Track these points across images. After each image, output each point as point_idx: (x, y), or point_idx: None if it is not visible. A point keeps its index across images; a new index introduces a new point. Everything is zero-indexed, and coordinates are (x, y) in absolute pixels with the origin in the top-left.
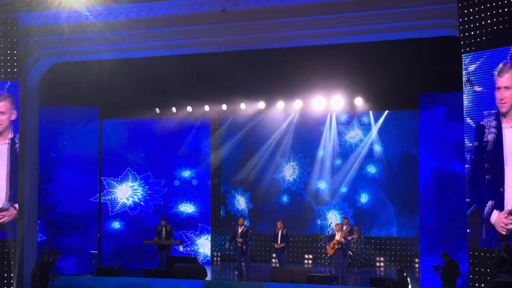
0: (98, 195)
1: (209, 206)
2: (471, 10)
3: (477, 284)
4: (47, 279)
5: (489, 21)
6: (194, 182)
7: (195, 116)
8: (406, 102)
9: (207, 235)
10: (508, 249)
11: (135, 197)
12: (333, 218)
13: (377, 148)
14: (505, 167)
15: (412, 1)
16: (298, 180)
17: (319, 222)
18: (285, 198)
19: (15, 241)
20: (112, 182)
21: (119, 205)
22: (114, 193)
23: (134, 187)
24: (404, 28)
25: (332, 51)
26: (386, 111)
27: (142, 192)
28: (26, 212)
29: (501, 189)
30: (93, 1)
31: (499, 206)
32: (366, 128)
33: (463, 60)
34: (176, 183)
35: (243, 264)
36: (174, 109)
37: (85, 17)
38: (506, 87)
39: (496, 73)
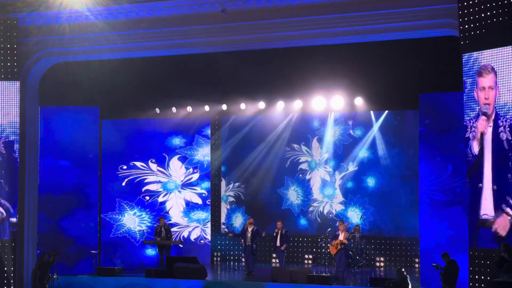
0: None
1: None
2: (471, 10)
3: (477, 284)
4: (47, 279)
5: (489, 21)
6: (194, 182)
7: (195, 116)
8: (406, 102)
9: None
10: (508, 249)
11: (146, 222)
12: (354, 215)
13: (377, 147)
14: (484, 165)
15: (412, 1)
16: (306, 199)
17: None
18: (303, 221)
19: (8, 241)
20: (115, 216)
21: (138, 235)
22: (125, 225)
23: (137, 214)
24: (404, 28)
25: (332, 51)
26: (386, 111)
27: (148, 215)
28: (26, 212)
29: (480, 185)
30: (94, 1)
31: (478, 202)
32: (366, 128)
33: (463, 60)
34: (176, 192)
35: (250, 262)
36: (174, 109)
37: (85, 17)
38: (490, 87)
39: (477, 74)
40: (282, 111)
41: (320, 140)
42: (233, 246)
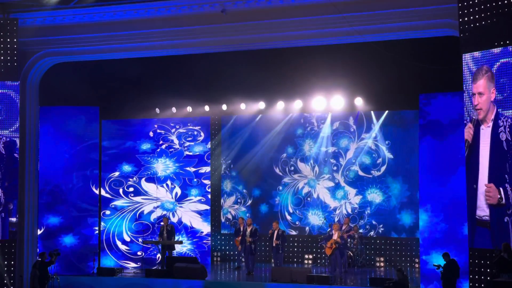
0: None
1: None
2: (471, 10)
3: (477, 284)
4: (47, 279)
5: (489, 21)
6: (182, 194)
7: (195, 116)
8: (406, 102)
9: None
10: (508, 249)
11: (186, 243)
12: (376, 196)
13: (377, 147)
14: (480, 166)
15: (412, 1)
16: (327, 213)
17: (323, 220)
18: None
19: (8, 241)
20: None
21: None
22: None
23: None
24: (404, 28)
25: (332, 51)
26: (386, 111)
27: (182, 236)
28: (26, 212)
29: (474, 186)
30: (94, 0)
31: (474, 203)
32: (366, 128)
33: (463, 60)
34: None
35: (249, 263)
36: (174, 109)
37: (85, 17)
38: (480, 93)
39: (471, 78)
40: (282, 111)
41: (303, 160)
42: (233, 246)
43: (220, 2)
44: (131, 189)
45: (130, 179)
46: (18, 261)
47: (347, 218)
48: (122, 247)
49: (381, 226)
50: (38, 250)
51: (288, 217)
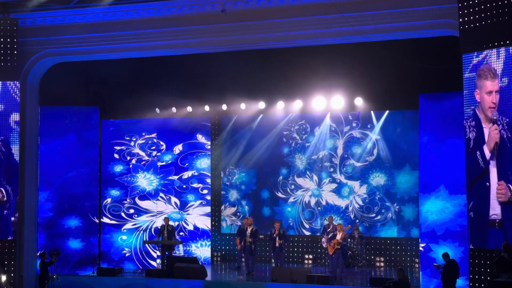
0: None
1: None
2: (471, 10)
3: (477, 284)
4: (47, 279)
5: (489, 21)
6: (194, 182)
7: (195, 116)
8: (406, 102)
9: None
10: (508, 249)
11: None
12: (380, 180)
13: (378, 148)
14: (490, 166)
15: (412, 1)
16: (342, 214)
17: (319, 222)
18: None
19: (8, 241)
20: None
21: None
22: (201, 257)
23: (199, 244)
24: (404, 28)
25: (332, 51)
26: (387, 111)
27: (204, 242)
28: (26, 212)
29: (487, 183)
30: (94, 0)
31: (486, 203)
32: (366, 128)
33: (463, 60)
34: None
35: (249, 263)
36: (174, 109)
37: (85, 17)
38: (496, 91)
39: (479, 76)
40: (282, 111)
41: (300, 174)
42: (233, 246)
43: (220, 2)
44: (132, 211)
45: (125, 202)
46: (18, 261)
47: (330, 217)
48: (154, 264)
49: (395, 204)
50: (38, 250)
51: (307, 233)
